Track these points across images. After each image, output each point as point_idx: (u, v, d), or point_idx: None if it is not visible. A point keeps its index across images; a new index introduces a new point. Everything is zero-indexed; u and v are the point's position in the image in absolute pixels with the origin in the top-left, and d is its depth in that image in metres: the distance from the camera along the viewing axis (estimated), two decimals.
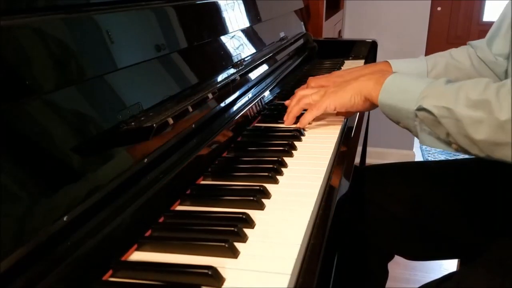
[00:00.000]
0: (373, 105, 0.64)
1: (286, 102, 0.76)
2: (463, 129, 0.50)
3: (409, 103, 0.56)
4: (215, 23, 0.71)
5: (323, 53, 1.30)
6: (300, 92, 0.71)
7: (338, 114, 0.74)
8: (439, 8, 2.15)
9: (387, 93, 0.59)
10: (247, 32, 0.84)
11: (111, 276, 0.37)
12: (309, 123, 0.71)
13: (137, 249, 0.41)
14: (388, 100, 0.59)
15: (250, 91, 0.77)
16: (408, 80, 0.59)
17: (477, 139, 0.50)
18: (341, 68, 1.19)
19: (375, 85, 0.61)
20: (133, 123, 0.43)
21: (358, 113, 0.79)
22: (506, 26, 0.70)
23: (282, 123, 0.73)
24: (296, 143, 0.64)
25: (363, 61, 1.27)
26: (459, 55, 0.79)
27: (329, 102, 0.66)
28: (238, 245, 0.39)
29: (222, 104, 0.65)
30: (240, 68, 0.71)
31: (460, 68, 0.77)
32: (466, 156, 0.59)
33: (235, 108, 0.70)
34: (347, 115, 0.74)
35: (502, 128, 0.48)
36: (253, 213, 0.45)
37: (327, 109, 0.67)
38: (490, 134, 0.48)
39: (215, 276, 0.35)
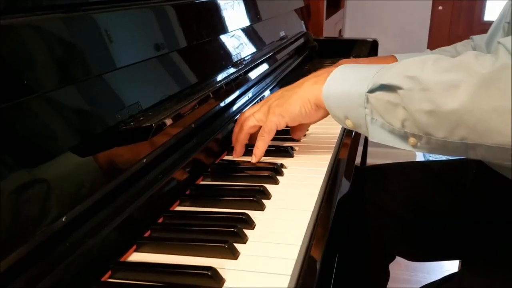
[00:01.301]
0: (327, 112, 0.54)
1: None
2: (431, 100, 0.40)
3: (358, 86, 0.47)
4: (215, 22, 0.71)
5: (324, 53, 1.29)
6: (242, 116, 0.60)
7: (292, 131, 0.62)
8: (440, 7, 2.15)
9: (332, 84, 0.50)
10: (247, 31, 0.84)
11: (110, 276, 0.37)
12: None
13: (136, 250, 0.41)
14: (333, 91, 0.50)
15: (250, 91, 0.77)
16: (360, 66, 0.51)
17: (448, 110, 0.39)
18: None
19: (320, 86, 0.52)
20: (132, 123, 0.43)
21: None
22: (502, 28, 0.70)
23: None
24: (296, 143, 0.64)
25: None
26: (464, 49, 0.79)
27: (277, 119, 0.55)
28: (238, 245, 0.39)
29: (222, 104, 0.65)
30: (240, 67, 0.71)
31: None
32: None
33: (235, 107, 0.69)
34: (302, 130, 0.62)
35: (486, 87, 0.37)
36: (253, 214, 0.44)
37: (277, 127, 0.56)
38: (469, 96, 0.38)
39: (214, 277, 0.35)
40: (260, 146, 0.57)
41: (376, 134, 0.47)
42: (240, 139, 0.59)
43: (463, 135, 0.40)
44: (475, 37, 0.79)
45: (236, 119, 0.66)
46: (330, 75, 0.51)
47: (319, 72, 0.55)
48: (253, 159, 0.57)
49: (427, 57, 0.44)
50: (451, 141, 0.42)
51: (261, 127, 0.57)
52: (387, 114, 0.45)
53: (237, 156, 0.60)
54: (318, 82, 0.53)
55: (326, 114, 0.54)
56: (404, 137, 0.45)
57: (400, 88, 0.43)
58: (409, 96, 0.42)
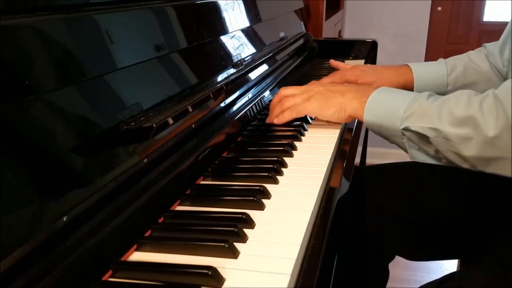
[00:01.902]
0: (353, 120, 0.65)
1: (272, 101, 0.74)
2: (453, 147, 0.51)
3: (394, 122, 0.56)
4: (215, 23, 0.71)
5: (323, 53, 1.30)
6: (283, 92, 0.69)
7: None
8: (439, 8, 2.15)
9: (372, 112, 0.60)
10: (247, 32, 0.84)
11: (111, 276, 0.37)
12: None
13: (136, 249, 0.41)
14: (373, 119, 0.60)
15: (250, 91, 0.77)
16: (390, 97, 0.59)
17: (467, 156, 0.50)
18: None
19: (359, 104, 0.62)
20: (132, 123, 0.43)
21: None
22: None
23: (282, 124, 0.73)
24: (296, 143, 0.64)
25: (363, 61, 1.27)
26: (477, 57, 0.80)
27: (311, 110, 0.66)
28: (238, 245, 0.39)
29: (222, 104, 0.65)
30: (240, 68, 0.71)
31: (479, 71, 0.78)
32: None
33: (235, 108, 0.70)
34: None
35: (491, 144, 0.47)
36: (253, 213, 0.45)
37: (306, 114, 0.68)
38: (480, 150, 0.48)
39: (215, 276, 0.35)
40: (287, 116, 0.68)
41: (416, 156, 0.58)
42: (275, 111, 0.69)
43: (481, 169, 0.51)
44: (487, 44, 0.80)
45: (236, 119, 0.66)
46: (368, 101, 0.61)
47: (359, 88, 0.65)
48: (275, 120, 0.69)
49: (442, 103, 0.53)
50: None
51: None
52: (422, 145, 0.55)
53: (269, 121, 0.70)
54: (356, 99, 0.62)
55: (353, 120, 0.66)
56: (439, 159, 0.56)
57: (427, 136, 0.53)
58: (435, 141, 0.53)
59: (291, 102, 0.67)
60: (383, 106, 0.59)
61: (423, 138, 0.54)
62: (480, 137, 0.48)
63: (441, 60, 0.82)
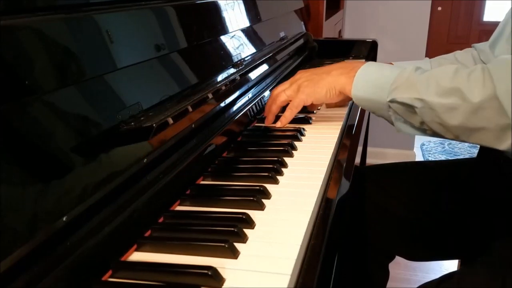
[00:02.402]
0: (349, 98, 0.65)
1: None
2: (437, 117, 0.52)
3: (381, 95, 0.57)
4: (215, 23, 0.71)
5: (323, 53, 1.30)
6: (274, 92, 0.71)
7: (310, 106, 0.74)
8: (439, 8, 2.15)
9: (359, 87, 0.61)
10: (247, 32, 0.84)
11: (111, 276, 0.37)
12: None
13: (136, 249, 0.41)
14: (361, 93, 0.61)
15: (250, 91, 0.77)
16: (378, 71, 0.60)
17: (451, 125, 0.51)
18: None
19: (346, 80, 0.63)
20: (132, 123, 0.43)
21: (358, 114, 0.79)
22: (508, 30, 0.70)
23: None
24: (296, 143, 0.64)
25: (363, 61, 1.27)
26: (464, 57, 0.79)
27: (305, 97, 0.67)
28: (238, 245, 0.39)
29: (222, 104, 0.65)
30: (240, 68, 0.71)
31: None
32: (467, 156, 0.59)
33: (235, 108, 0.70)
34: (317, 105, 0.77)
35: (476, 113, 0.48)
36: (253, 213, 0.45)
37: (304, 104, 0.68)
38: (464, 119, 0.49)
39: (215, 277, 0.35)
40: (287, 116, 0.69)
41: (402, 128, 0.58)
42: (272, 110, 0.70)
43: (464, 139, 0.53)
44: (477, 45, 0.79)
45: (237, 119, 0.66)
46: (356, 76, 0.61)
47: (344, 64, 0.66)
48: (278, 124, 0.70)
49: (429, 75, 0.54)
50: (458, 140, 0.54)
51: (290, 101, 0.69)
52: (407, 117, 0.56)
53: (268, 123, 0.71)
54: (344, 74, 0.63)
55: (346, 98, 0.66)
56: (424, 130, 0.57)
57: (413, 106, 0.54)
58: (421, 112, 0.53)
59: (283, 97, 0.69)
60: (371, 80, 0.59)
61: (409, 109, 0.55)
62: (465, 107, 0.49)
63: (426, 59, 0.82)
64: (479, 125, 0.49)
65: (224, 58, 0.71)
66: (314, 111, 0.80)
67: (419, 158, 2.29)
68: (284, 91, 0.69)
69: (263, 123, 0.74)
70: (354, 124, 0.73)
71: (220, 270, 0.36)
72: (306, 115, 0.76)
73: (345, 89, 0.63)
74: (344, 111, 0.80)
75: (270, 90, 0.86)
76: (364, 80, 0.60)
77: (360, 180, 0.79)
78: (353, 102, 0.75)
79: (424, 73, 0.55)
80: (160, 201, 0.46)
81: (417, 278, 1.41)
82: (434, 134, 0.55)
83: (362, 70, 0.61)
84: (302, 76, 0.69)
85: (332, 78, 0.65)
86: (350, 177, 0.56)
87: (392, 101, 0.56)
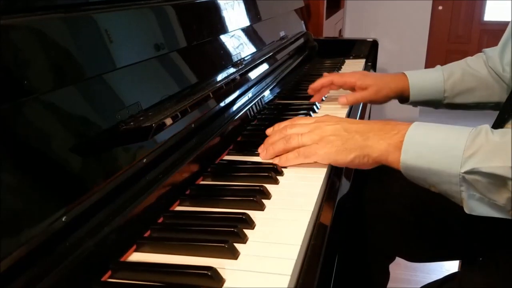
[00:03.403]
0: (381, 164, 0.52)
1: (268, 131, 0.62)
2: None
3: (450, 164, 0.44)
4: (215, 22, 0.71)
5: (324, 52, 1.30)
6: (290, 131, 0.57)
7: None
8: (440, 7, 2.15)
9: (413, 154, 0.47)
10: (247, 31, 0.84)
11: (110, 276, 0.37)
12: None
13: (136, 250, 0.41)
14: (417, 163, 0.47)
15: (250, 91, 0.77)
16: (437, 133, 0.47)
17: None
18: (341, 68, 1.19)
19: (390, 146, 0.49)
20: (132, 123, 0.43)
21: (358, 114, 0.79)
22: None
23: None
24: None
25: (363, 60, 1.27)
26: (475, 63, 0.79)
27: (323, 156, 0.53)
28: (238, 245, 0.39)
29: (222, 104, 0.65)
30: (240, 67, 0.71)
31: (477, 76, 0.78)
32: None
33: (235, 107, 0.69)
34: None
35: None
36: (253, 214, 0.44)
37: (317, 161, 0.54)
38: None
39: (214, 277, 0.35)
40: (291, 161, 0.55)
41: (475, 207, 0.46)
42: (276, 149, 0.56)
43: None
44: (486, 50, 0.79)
45: (236, 119, 0.66)
46: (405, 142, 0.48)
47: (384, 125, 0.52)
48: (276, 160, 0.56)
49: (510, 137, 0.42)
50: None
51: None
52: (489, 192, 0.44)
53: (263, 158, 0.58)
54: (384, 139, 0.50)
55: (375, 166, 0.53)
56: (507, 211, 0.44)
57: (507, 178, 0.42)
58: None
59: (296, 143, 0.55)
60: (431, 145, 0.46)
61: (495, 183, 0.43)
62: None
63: (438, 67, 0.82)
64: None
65: (223, 57, 0.70)
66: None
67: None
68: (301, 136, 0.55)
69: (264, 122, 0.74)
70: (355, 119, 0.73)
71: (220, 270, 0.36)
72: (307, 113, 0.75)
73: (387, 158, 0.49)
74: (344, 111, 0.80)
75: (270, 90, 0.86)
76: (419, 146, 0.47)
77: (360, 180, 0.79)
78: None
79: (505, 134, 0.43)
80: (160, 201, 0.46)
81: (417, 279, 1.40)
82: None
83: (412, 133, 0.48)
84: (328, 125, 0.54)
85: (368, 143, 0.51)
86: (350, 177, 0.56)
87: (470, 172, 0.43)
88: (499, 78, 0.76)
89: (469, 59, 0.81)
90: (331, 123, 0.55)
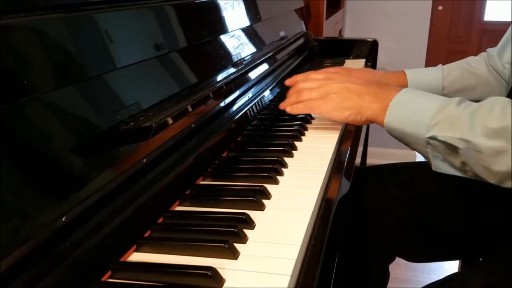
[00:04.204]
0: (372, 122, 0.62)
1: (287, 82, 0.73)
2: (483, 160, 0.47)
3: (418, 130, 0.52)
4: (215, 22, 0.71)
5: (324, 52, 1.29)
6: (302, 85, 0.67)
7: None
8: (440, 7, 2.15)
9: (394, 118, 0.56)
10: (247, 31, 0.84)
11: (110, 277, 0.37)
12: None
13: (136, 250, 0.41)
14: (395, 124, 0.55)
15: (250, 91, 0.77)
16: (415, 101, 0.55)
17: (497, 171, 0.47)
18: None
19: (379, 109, 0.58)
20: (132, 123, 0.43)
21: None
22: None
23: (282, 124, 0.73)
24: (296, 143, 0.64)
25: (363, 60, 1.27)
26: (476, 61, 0.80)
27: (324, 110, 0.63)
28: (238, 245, 0.39)
29: (222, 104, 0.65)
30: (240, 67, 0.71)
31: (476, 74, 0.78)
32: None
33: (235, 107, 0.69)
34: None
35: None
36: (253, 214, 0.44)
37: (319, 113, 0.65)
38: None
39: (214, 277, 0.35)
40: (299, 110, 0.66)
41: (440, 166, 0.54)
42: (291, 100, 0.67)
43: (509, 185, 0.48)
44: (489, 49, 0.80)
45: (236, 119, 0.66)
46: (391, 105, 0.56)
47: (377, 90, 0.60)
48: (288, 109, 0.67)
49: (474, 112, 0.49)
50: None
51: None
52: (448, 155, 0.51)
53: (282, 108, 0.69)
54: (376, 102, 0.59)
55: (369, 123, 0.62)
56: (464, 171, 0.52)
57: (457, 147, 0.49)
58: (464, 153, 0.49)
59: (307, 96, 0.65)
60: (407, 111, 0.54)
61: (451, 148, 0.50)
62: None
63: (439, 66, 0.82)
64: None
65: (224, 57, 0.70)
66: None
67: (419, 158, 2.29)
68: (311, 91, 0.65)
69: (264, 123, 0.73)
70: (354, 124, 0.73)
71: (220, 270, 0.36)
72: (306, 114, 0.75)
73: (376, 118, 0.58)
74: None
75: (270, 90, 0.86)
76: (400, 112, 0.55)
77: (360, 180, 0.79)
78: None
79: (467, 107, 0.50)
80: (160, 201, 0.46)
81: (417, 279, 1.40)
82: (476, 176, 0.50)
83: (398, 99, 0.56)
84: (333, 84, 0.63)
85: (362, 104, 0.60)
86: (350, 177, 0.56)
87: (431, 137, 0.51)
88: (499, 76, 0.77)
89: (470, 58, 0.82)
90: (337, 82, 0.64)
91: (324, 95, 0.63)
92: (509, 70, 0.72)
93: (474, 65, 0.79)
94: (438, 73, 0.79)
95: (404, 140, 0.56)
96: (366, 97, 0.60)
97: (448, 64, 0.82)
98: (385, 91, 0.59)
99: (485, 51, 0.81)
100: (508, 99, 0.49)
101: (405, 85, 0.80)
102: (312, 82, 0.66)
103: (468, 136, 0.48)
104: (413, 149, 0.56)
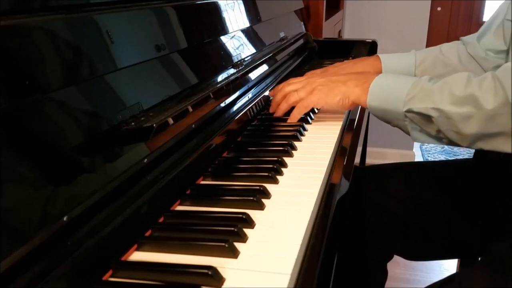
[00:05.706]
0: (357, 106, 0.67)
1: (270, 93, 0.77)
2: (454, 126, 0.53)
3: (396, 105, 0.58)
4: (215, 23, 0.71)
5: (323, 53, 1.30)
6: (286, 88, 0.71)
7: None
8: (439, 8, 2.15)
9: (374, 97, 0.62)
10: (247, 32, 0.84)
11: (111, 276, 0.37)
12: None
13: (137, 249, 0.41)
14: (376, 103, 0.62)
15: (250, 91, 0.77)
16: (391, 82, 0.61)
17: (468, 133, 0.52)
18: None
19: (361, 91, 0.64)
20: (133, 123, 0.43)
21: (358, 114, 0.79)
22: (497, 23, 0.72)
23: (282, 124, 0.73)
24: (296, 143, 0.64)
25: (375, 74, 1.27)
26: (448, 50, 0.81)
27: (316, 101, 0.68)
28: (238, 245, 0.39)
29: (222, 104, 0.65)
30: (240, 68, 0.71)
31: (447, 64, 0.80)
32: (466, 156, 0.60)
33: (235, 108, 0.70)
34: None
35: (491, 120, 0.50)
36: (253, 213, 0.45)
37: (314, 106, 0.70)
38: (480, 127, 0.51)
39: (215, 276, 0.35)
40: (296, 116, 0.70)
41: (418, 137, 0.59)
42: (282, 109, 0.71)
43: (481, 146, 0.54)
44: (464, 38, 0.81)
45: (237, 119, 0.66)
46: (370, 87, 0.63)
47: (358, 76, 0.67)
48: (289, 120, 0.71)
49: (443, 84, 0.55)
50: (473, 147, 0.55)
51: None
52: (424, 126, 0.57)
53: (276, 115, 0.73)
54: (358, 86, 0.65)
55: (357, 107, 0.69)
56: (440, 139, 0.58)
57: (430, 116, 0.55)
58: (437, 121, 0.55)
59: (295, 97, 0.69)
60: (385, 91, 0.61)
61: (426, 118, 0.56)
62: (480, 114, 0.50)
63: (413, 51, 0.84)
64: (495, 131, 0.50)
65: (224, 58, 0.71)
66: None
67: (418, 158, 2.30)
68: (297, 92, 0.69)
69: (264, 123, 0.74)
70: (354, 124, 0.73)
71: (220, 269, 0.36)
72: (305, 115, 0.76)
73: (360, 100, 0.65)
74: (344, 111, 0.80)
75: (270, 90, 0.86)
76: (379, 91, 0.62)
77: (360, 180, 0.79)
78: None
79: (437, 82, 0.56)
80: (161, 201, 0.46)
81: (416, 278, 1.41)
82: (450, 142, 0.56)
83: (376, 81, 0.63)
84: (317, 80, 0.70)
85: (347, 89, 0.66)
86: (350, 177, 0.56)
87: (408, 111, 0.57)
88: (473, 64, 0.77)
89: (443, 45, 0.83)
90: (319, 77, 0.71)
91: (311, 90, 0.68)
92: (495, 58, 0.73)
93: (446, 54, 0.80)
94: (411, 60, 0.81)
95: (385, 117, 0.62)
96: (349, 83, 0.66)
97: (422, 50, 0.83)
98: (364, 76, 0.66)
99: (459, 40, 0.82)
100: (471, 73, 0.54)
101: (379, 72, 0.82)
102: (296, 84, 0.71)
103: (439, 105, 0.53)
104: (394, 125, 0.62)
